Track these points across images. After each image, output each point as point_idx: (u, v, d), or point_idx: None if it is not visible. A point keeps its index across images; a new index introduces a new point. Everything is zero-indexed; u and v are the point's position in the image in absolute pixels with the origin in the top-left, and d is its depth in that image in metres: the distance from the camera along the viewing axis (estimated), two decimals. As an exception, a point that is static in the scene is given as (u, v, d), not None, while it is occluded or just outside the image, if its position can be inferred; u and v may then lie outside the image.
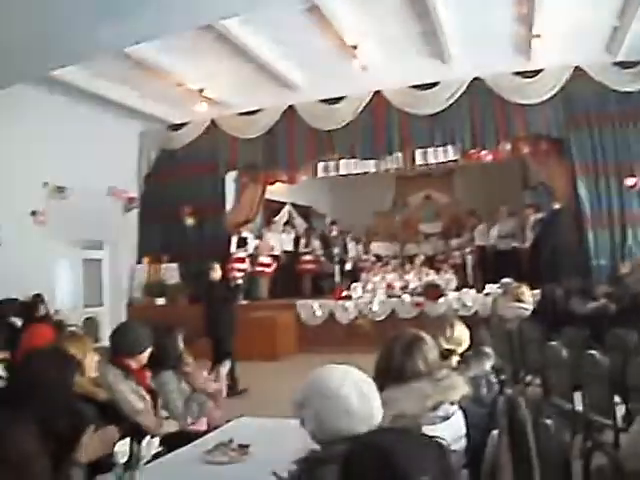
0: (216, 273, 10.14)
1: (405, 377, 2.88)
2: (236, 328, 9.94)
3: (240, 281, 10.33)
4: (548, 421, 2.93)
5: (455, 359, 3.67)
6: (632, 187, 12.28)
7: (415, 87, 13.45)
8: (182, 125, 15.64)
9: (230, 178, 15.87)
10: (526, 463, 2.75)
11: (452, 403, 2.83)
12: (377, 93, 13.80)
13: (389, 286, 13.94)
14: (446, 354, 3.67)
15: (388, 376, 2.80)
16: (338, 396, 2.15)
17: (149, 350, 4.41)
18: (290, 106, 14.50)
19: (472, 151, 13.74)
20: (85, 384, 3.65)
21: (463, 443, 2.75)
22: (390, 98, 13.71)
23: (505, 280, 9.15)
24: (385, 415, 2.20)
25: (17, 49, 8.33)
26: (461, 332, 3.91)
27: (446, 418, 2.75)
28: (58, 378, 3.08)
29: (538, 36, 10.94)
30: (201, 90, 13.32)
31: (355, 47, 11.39)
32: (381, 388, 2.50)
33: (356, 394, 2.15)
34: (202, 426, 4.58)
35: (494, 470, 2.75)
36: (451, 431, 2.75)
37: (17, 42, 8.21)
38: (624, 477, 2.74)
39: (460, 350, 3.82)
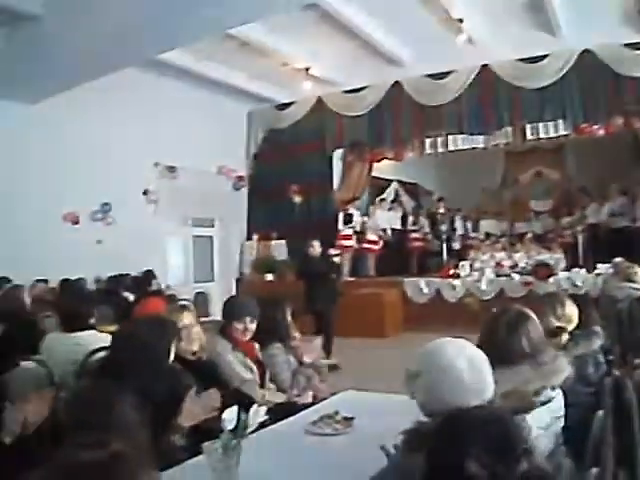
0: (315, 250, 10.22)
1: (508, 357, 2.82)
2: (336, 304, 10.01)
3: (337, 258, 10.31)
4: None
5: (565, 337, 3.59)
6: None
7: (523, 60, 13.08)
8: (288, 104, 15.77)
9: (337, 156, 15.89)
10: (629, 446, 2.67)
11: (553, 387, 2.77)
12: (484, 67, 13.49)
13: (498, 265, 13.68)
14: (556, 332, 3.60)
15: (490, 355, 2.77)
16: (453, 368, 2.16)
17: (255, 321, 4.50)
18: (396, 82, 14.36)
19: (583, 125, 13.30)
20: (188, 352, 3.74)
21: (560, 424, 2.70)
22: (498, 72, 13.37)
23: (617, 260, 8.82)
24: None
25: (126, 33, 8.56)
26: (571, 310, 3.83)
27: (546, 402, 2.69)
28: (157, 345, 3.17)
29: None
30: (307, 69, 13.39)
31: (461, 20, 11.20)
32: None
33: (469, 367, 2.16)
34: (308, 399, 4.63)
35: (597, 450, 2.68)
36: (550, 413, 2.70)
37: (126, 26, 8.44)
38: None
39: (570, 328, 3.73)
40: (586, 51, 12.51)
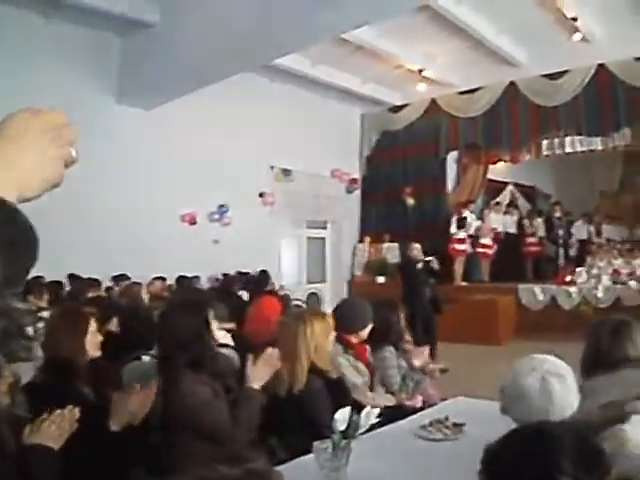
0: (414, 252, 10.18)
1: (613, 363, 2.78)
2: (436, 310, 9.92)
3: (431, 260, 10.18)
4: None
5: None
6: None
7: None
8: (402, 107, 15.77)
9: (451, 158, 15.78)
10: None
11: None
12: (601, 66, 13.07)
13: (615, 272, 13.24)
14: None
15: (595, 363, 2.71)
16: (520, 385, 2.19)
17: (370, 326, 4.52)
18: (511, 82, 14.14)
19: None
20: (324, 358, 3.76)
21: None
22: (615, 71, 12.94)
23: None
24: (592, 405, 2.17)
25: (240, 39, 8.74)
26: None
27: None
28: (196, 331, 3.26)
29: None
30: (420, 71, 13.40)
31: (575, 19, 11.03)
32: (588, 375, 2.44)
33: (539, 386, 2.16)
34: (418, 403, 4.62)
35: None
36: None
37: (240, 33, 8.61)
38: None
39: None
40: None
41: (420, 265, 10.22)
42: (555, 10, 10.82)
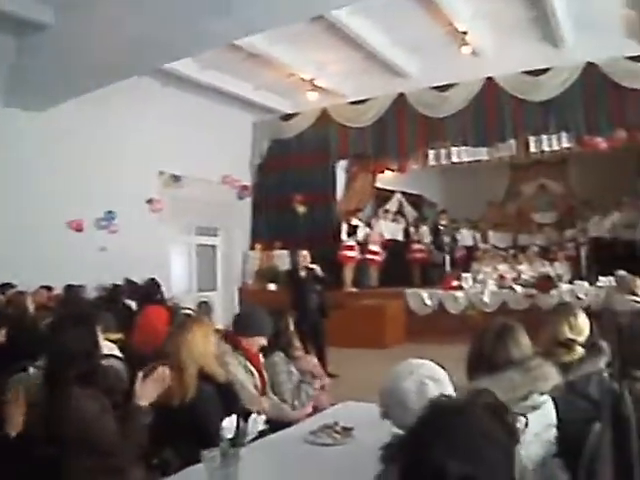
0: (299, 260, 10.28)
1: (497, 366, 2.86)
2: (324, 317, 10.02)
3: (315, 267, 10.24)
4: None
5: (581, 350, 3.59)
6: None
7: (527, 73, 13.14)
8: (293, 115, 15.82)
9: (341, 167, 15.93)
10: (626, 459, 2.69)
11: (542, 393, 2.79)
12: (489, 79, 13.52)
13: (500, 277, 13.69)
14: (567, 343, 3.62)
15: (479, 366, 2.80)
16: (397, 389, 2.22)
17: (264, 338, 4.57)
18: (400, 94, 14.39)
19: (586, 138, 13.34)
20: (211, 363, 3.74)
21: (553, 432, 2.72)
22: (502, 84, 13.42)
23: (621, 273, 8.86)
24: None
25: (134, 43, 8.64)
26: (584, 322, 3.84)
27: (535, 408, 2.71)
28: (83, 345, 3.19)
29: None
30: (312, 80, 13.47)
31: (465, 33, 11.34)
32: (472, 378, 2.51)
33: (416, 390, 2.20)
34: (308, 409, 4.65)
35: (593, 462, 2.70)
36: (541, 420, 2.71)
37: (134, 36, 8.52)
38: None
39: (581, 340, 3.74)
40: (590, 64, 12.58)
41: (304, 272, 10.25)
42: (447, 24, 11.10)
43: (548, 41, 12.14)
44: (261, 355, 4.64)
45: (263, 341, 4.56)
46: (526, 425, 2.37)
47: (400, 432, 2.14)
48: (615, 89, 12.49)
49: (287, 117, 15.89)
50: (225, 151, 14.49)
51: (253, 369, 4.41)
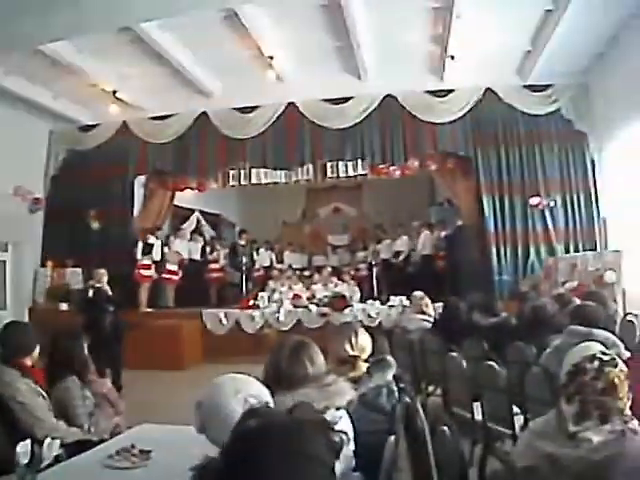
0: (99, 278, 10.00)
1: (293, 382, 2.94)
2: (119, 337, 9.79)
3: (105, 287, 9.98)
4: (445, 428, 3.02)
5: (364, 365, 3.73)
6: (536, 206, 12.79)
7: (328, 101, 13.68)
8: (93, 126, 15.36)
9: (139, 183, 15.60)
10: (425, 470, 2.82)
11: (338, 408, 2.89)
12: (291, 104, 13.94)
13: (296, 296, 13.96)
14: (350, 360, 3.75)
15: (276, 382, 2.86)
16: (221, 406, 2.25)
17: (38, 348, 4.42)
18: (203, 112, 14.46)
19: (381, 166, 14.04)
20: None
21: (351, 446, 2.81)
22: (303, 110, 13.87)
23: (415, 293, 9.32)
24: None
25: None
26: (364, 339, 3.98)
27: (333, 423, 2.80)
28: None
29: (452, 57, 11.33)
30: (114, 92, 13.16)
31: (272, 57, 11.54)
32: (271, 394, 2.56)
33: (242, 408, 2.21)
34: (104, 433, 4.52)
35: (390, 475, 2.81)
36: (338, 435, 2.80)
37: None
38: (516, 477, 2.87)
39: (364, 356, 3.89)
40: (389, 96, 13.32)
41: (91, 292, 9.96)
42: (254, 47, 11.24)
43: (351, 71, 12.71)
44: (49, 378, 4.49)
45: (37, 353, 4.42)
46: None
47: (212, 452, 2.13)
48: (411, 121, 13.33)
49: (86, 128, 15.37)
50: (18, 161, 13.65)
51: (43, 392, 4.24)
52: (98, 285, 9.85)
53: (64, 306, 14.18)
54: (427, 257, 14.73)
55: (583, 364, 2.69)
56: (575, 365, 2.72)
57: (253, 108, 14.12)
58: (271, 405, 2.32)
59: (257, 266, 17.19)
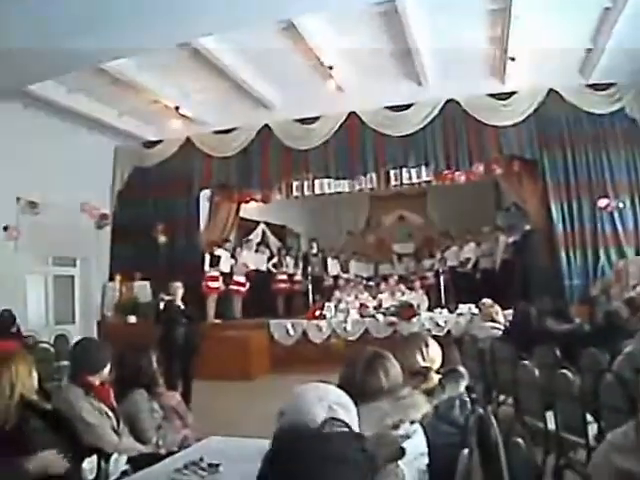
0: (175, 291, 10.03)
1: (367, 395, 2.87)
2: (193, 350, 9.78)
3: (178, 302, 9.92)
4: (519, 440, 2.93)
5: (436, 377, 3.66)
6: (604, 208, 12.46)
7: (389, 108, 13.60)
8: (157, 142, 15.60)
9: (204, 196, 15.77)
10: (498, 481, 2.75)
11: (412, 422, 2.82)
12: (352, 114, 13.91)
13: (362, 305, 13.89)
14: (421, 371, 3.68)
15: (350, 394, 2.82)
16: (310, 414, 2.16)
17: (109, 365, 4.37)
18: (265, 125, 14.55)
19: (446, 172, 13.90)
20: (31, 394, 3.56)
21: (425, 460, 2.75)
22: (365, 119, 13.83)
23: (483, 300, 9.17)
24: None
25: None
26: (435, 350, 3.91)
27: (407, 437, 2.74)
28: None
29: (513, 59, 11.14)
30: (177, 107, 13.34)
31: (331, 67, 11.53)
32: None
33: (326, 416, 2.15)
34: (173, 446, 4.52)
35: (465, 488, 2.75)
36: (412, 449, 2.73)
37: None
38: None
39: (435, 367, 3.82)
40: (450, 100, 13.19)
41: (162, 305, 10.00)
42: (313, 58, 11.27)
43: (411, 78, 12.63)
44: (118, 393, 4.46)
45: (107, 372, 4.37)
46: (403, 453, 2.37)
47: None
48: (474, 125, 13.15)
49: (150, 144, 15.64)
50: (85, 177, 13.91)
51: (107, 409, 4.22)
52: (170, 298, 9.90)
53: (132, 319, 14.39)
54: (506, 262, 14.36)
55: None
56: None
57: (314, 119, 14.15)
58: (351, 410, 2.26)
59: (328, 275, 17.20)
